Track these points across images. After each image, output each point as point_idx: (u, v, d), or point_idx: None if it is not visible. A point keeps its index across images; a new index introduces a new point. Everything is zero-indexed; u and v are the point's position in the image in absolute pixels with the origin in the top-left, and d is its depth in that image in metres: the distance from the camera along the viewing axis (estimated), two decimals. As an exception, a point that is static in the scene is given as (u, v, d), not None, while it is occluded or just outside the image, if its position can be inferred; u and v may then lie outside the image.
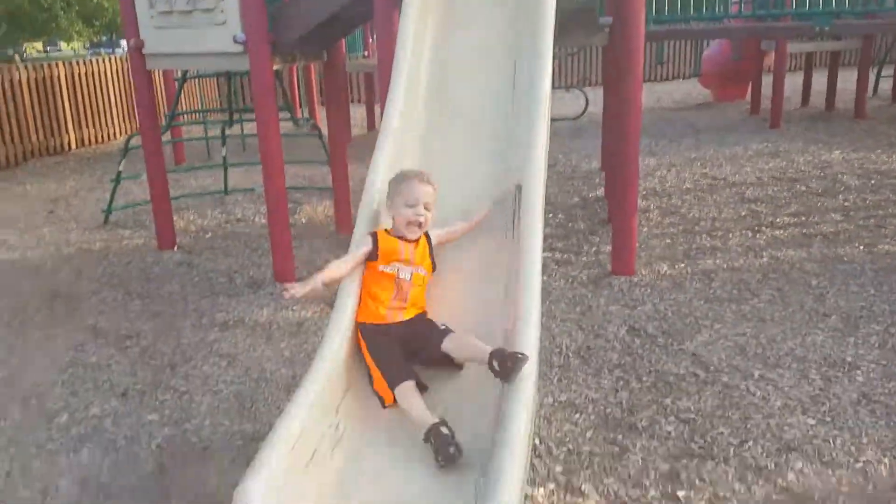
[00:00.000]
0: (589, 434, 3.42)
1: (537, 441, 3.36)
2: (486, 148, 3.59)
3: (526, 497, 2.94)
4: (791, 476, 3.06)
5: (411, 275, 2.96)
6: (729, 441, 3.32)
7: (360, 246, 3.00)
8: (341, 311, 2.88)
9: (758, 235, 6.03)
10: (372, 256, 2.97)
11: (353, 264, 2.97)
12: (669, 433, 3.40)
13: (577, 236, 6.16)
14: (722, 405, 3.60)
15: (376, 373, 2.77)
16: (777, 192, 7.29)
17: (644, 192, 7.17)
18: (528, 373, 2.49)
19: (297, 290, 2.75)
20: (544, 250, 5.34)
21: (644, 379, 3.89)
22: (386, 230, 3.06)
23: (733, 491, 2.99)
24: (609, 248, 5.59)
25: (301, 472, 2.39)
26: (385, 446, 2.62)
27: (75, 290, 5.50)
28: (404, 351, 2.83)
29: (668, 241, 5.99)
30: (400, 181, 3.02)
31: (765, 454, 3.20)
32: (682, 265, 5.46)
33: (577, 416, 3.58)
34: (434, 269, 3.07)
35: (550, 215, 6.69)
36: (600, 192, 7.41)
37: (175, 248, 6.29)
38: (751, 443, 3.29)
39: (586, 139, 9.43)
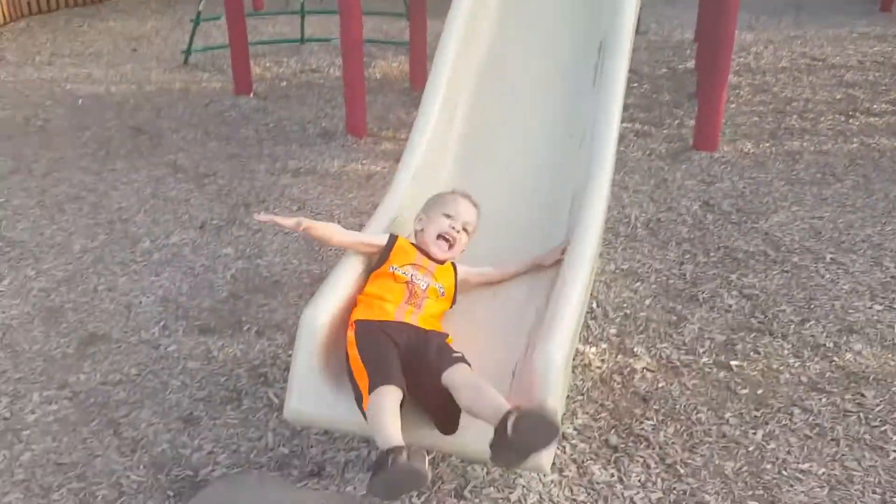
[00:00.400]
0: (647, 302, 3.44)
1: (594, 304, 3.40)
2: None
3: (577, 353, 3.02)
4: (849, 356, 3.03)
5: (427, 286, 2.44)
6: (790, 319, 3.29)
7: (374, 237, 2.58)
8: (409, 154, 2.90)
9: (851, 120, 5.69)
10: (382, 258, 2.49)
11: (351, 241, 2.55)
12: (730, 306, 3.39)
13: (661, 108, 5.93)
14: (788, 285, 3.55)
15: (359, 369, 2.17)
16: (878, 77, 6.80)
17: (736, 68, 6.79)
18: (593, 223, 2.48)
19: (269, 217, 2.44)
20: (624, 120, 5.20)
21: (711, 254, 3.83)
22: (410, 241, 2.63)
23: (787, 365, 2.99)
24: (693, 122, 5.39)
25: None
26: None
27: (156, 126, 5.66)
28: (401, 362, 2.20)
29: (756, 119, 5.72)
30: (441, 195, 2.69)
31: (825, 334, 3.17)
32: (767, 145, 5.24)
33: (638, 284, 3.58)
34: (454, 303, 2.56)
35: (635, 84, 6.44)
36: (690, 63, 7.05)
37: (251, 94, 6.34)
38: (812, 322, 3.25)
39: (681, 8, 8.86)
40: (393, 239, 2.56)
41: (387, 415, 1.97)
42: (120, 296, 3.52)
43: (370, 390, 2.04)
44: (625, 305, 3.40)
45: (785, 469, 2.50)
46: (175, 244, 3.99)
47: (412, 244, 2.59)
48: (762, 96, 6.27)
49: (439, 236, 2.54)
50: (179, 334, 3.24)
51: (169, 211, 4.35)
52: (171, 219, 4.26)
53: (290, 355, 3.03)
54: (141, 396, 2.86)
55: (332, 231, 2.51)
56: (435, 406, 2.13)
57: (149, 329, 3.28)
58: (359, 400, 2.12)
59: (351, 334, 2.29)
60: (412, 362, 2.18)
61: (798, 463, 2.52)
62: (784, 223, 4.14)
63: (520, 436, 1.83)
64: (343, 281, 2.41)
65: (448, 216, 2.56)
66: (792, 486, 2.43)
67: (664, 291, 3.51)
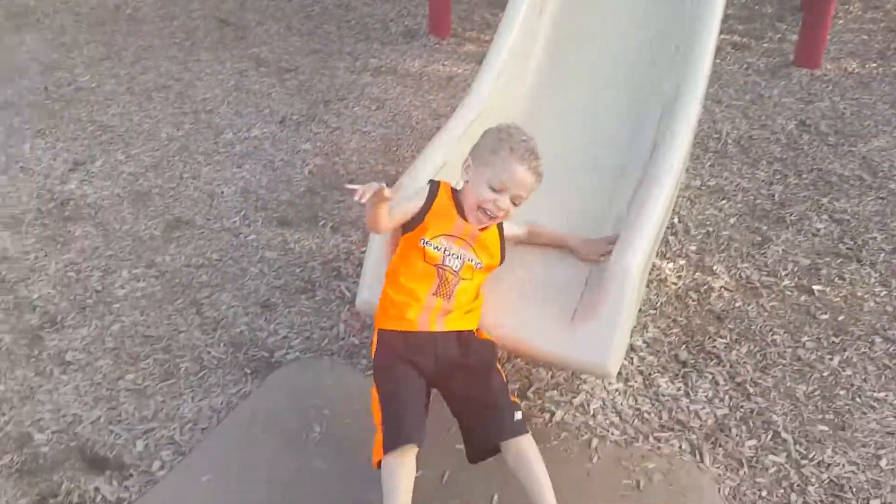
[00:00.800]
0: (732, 220, 3.32)
1: (676, 220, 3.30)
2: None
3: (654, 267, 2.96)
4: (944, 290, 2.89)
5: (462, 264, 2.05)
6: (881, 247, 3.13)
7: (412, 198, 2.11)
8: (494, 55, 2.82)
9: (974, 42, 5.23)
10: (415, 220, 2.06)
11: (395, 221, 2.07)
12: (818, 230, 3.24)
13: (762, 20, 5.57)
14: (882, 212, 3.36)
15: (375, 403, 1.93)
16: None
17: (848, -20, 6.29)
18: (682, 134, 2.38)
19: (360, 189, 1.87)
20: (722, 31, 4.91)
21: (804, 175, 3.65)
22: (453, 188, 2.15)
23: (873, 293, 2.87)
24: (795, 37, 5.05)
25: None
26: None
27: (241, 18, 5.65)
28: (427, 378, 1.97)
29: (865, 37, 5.31)
30: (500, 147, 2.03)
31: (919, 265, 3.02)
32: (874, 65, 4.87)
33: (724, 202, 3.46)
34: (502, 261, 2.16)
35: (734, -6, 6.05)
36: (797, -26, 6.55)
37: (336, -10, 6.24)
38: (907, 252, 3.10)
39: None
40: (433, 193, 2.10)
41: (399, 491, 1.76)
42: (203, 184, 3.62)
43: (384, 446, 1.80)
44: (708, 223, 3.30)
45: (859, 396, 2.43)
46: (256, 137, 4.04)
47: (453, 199, 2.10)
48: (874, 13, 5.80)
49: (479, 208, 2.05)
50: (259, 224, 3.33)
51: (251, 104, 4.39)
52: (252, 112, 4.30)
53: (363, 252, 3.08)
54: (222, 280, 2.97)
55: (387, 213, 2.02)
56: (471, 439, 1.94)
57: (230, 217, 3.37)
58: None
59: (374, 353, 2.03)
60: (449, 385, 1.97)
61: (874, 391, 2.45)
62: (884, 148, 3.89)
63: None
64: (422, 176, 2.39)
65: (494, 190, 2.02)
66: (864, 413, 2.37)
67: (750, 211, 3.38)
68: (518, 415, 1.89)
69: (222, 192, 3.56)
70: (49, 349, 2.61)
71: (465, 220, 2.07)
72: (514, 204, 2.05)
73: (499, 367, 2.01)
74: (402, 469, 1.77)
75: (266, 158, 3.84)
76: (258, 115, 4.26)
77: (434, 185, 2.12)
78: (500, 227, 2.15)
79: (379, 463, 1.80)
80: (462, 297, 2.04)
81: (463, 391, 1.94)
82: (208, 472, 2.09)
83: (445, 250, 2.04)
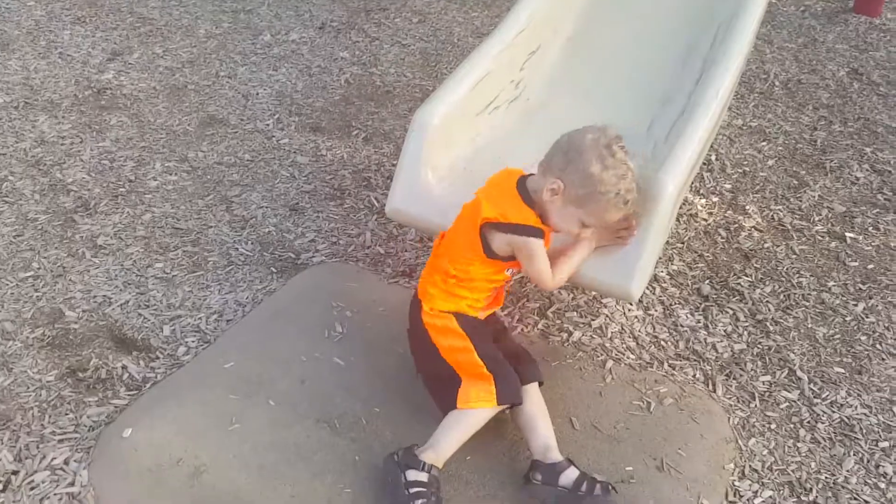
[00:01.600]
0: (770, 163, 3.26)
1: (713, 157, 3.25)
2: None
3: (685, 202, 2.93)
4: (980, 247, 2.84)
5: (513, 282, 2.18)
6: (922, 201, 3.07)
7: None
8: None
9: None
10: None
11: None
12: (857, 179, 3.18)
13: (822, -40, 5.34)
14: (928, 166, 3.29)
15: (477, 363, 1.90)
16: None
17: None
18: (735, 59, 2.31)
19: None
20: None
21: (849, 124, 3.56)
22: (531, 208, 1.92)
23: (908, 246, 2.84)
24: (856, -21, 4.84)
25: (475, 114, 2.45)
26: (561, 117, 2.61)
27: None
28: None
29: (931, -15, 5.08)
30: (609, 191, 1.83)
31: (958, 221, 2.96)
32: (938, 15, 4.68)
33: (764, 143, 3.39)
34: None
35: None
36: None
37: None
38: (947, 207, 3.04)
39: None
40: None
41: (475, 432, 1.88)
42: (239, 84, 3.60)
43: (499, 398, 1.85)
44: (745, 163, 3.24)
45: (880, 343, 2.43)
46: (294, 41, 3.99)
47: (543, 224, 1.92)
48: (946, -41, 5.53)
49: (567, 232, 1.97)
50: (292, 129, 3.32)
51: (291, 7, 4.32)
52: (292, 15, 4.24)
53: (393, 165, 3.06)
54: (252, 181, 2.99)
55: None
56: None
57: (263, 119, 3.37)
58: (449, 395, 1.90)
59: (447, 323, 1.94)
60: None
61: (896, 340, 2.44)
62: (938, 102, 3.77)
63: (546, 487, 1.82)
64: (462, 87, 2.36)
65: (585, 226, 1.92)
66: (883, 359, 2.37)
67: (790, 154, 3.32)
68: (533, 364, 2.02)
69: (257, 94, 3.54)
70: (82, 232, 2.66)
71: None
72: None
73: None
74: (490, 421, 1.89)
75: (303, 63, 3.80)
76: (297, 19, 4.20)
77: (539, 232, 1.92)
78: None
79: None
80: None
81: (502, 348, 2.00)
82: (231, 359, 2.15)
83: (511, 274, 2.02)
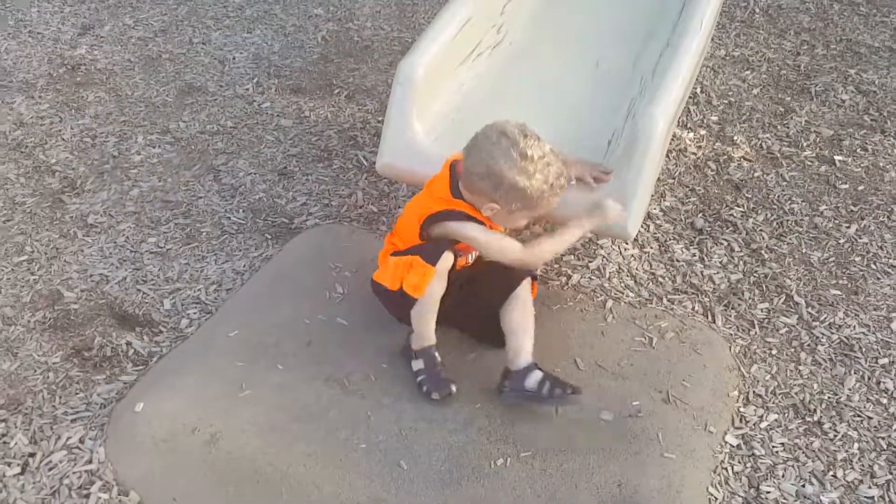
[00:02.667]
0: (755, 91, 3.25)
1: (698, 90, 3.23)
2: None
3: (673, 137, 2.93)
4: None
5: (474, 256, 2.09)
6: (908, 118, 3.08)
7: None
8: None
9: None
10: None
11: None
12: (843, 102, 3.18)
13: None
14: (912, 82, 3.29)
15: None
16: None
17: None
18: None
19: None
20: None
21: (832, 46, 3.54)
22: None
23: (895, 164, 2.86)
24: None
25: (458, 63, 2.43)
26: (546, 60, 2.59)
27: None
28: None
29: None
30: (544, 191, 1.85)
31: (945, 136, 2.98)
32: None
33: (748, 72, 3.37)
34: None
35: None
36: None
37: None
38: (933, 123, 3.05)
39: None
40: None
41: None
42: (214, 50, 3.54)
43: (426, 258, 1.91)
44: (730, 93, 3.23)
45: (874, 263, 2.46)
46: (266, 1, 3.91)
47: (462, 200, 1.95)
48: None
49: (512, 230, 2.07)
50: (272, 92, 3.27)
51: (260, -32, 4.22)
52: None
53: (379, 121, 3.05)
54: (238, 148, 2.96)
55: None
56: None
57: (243, 84, 3.31)
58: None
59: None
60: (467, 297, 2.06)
61: (889, 258, 2.47)
62: (919, 17, 3.75)
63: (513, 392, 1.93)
64: (443, 36, 2.33)
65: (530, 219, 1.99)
66: (879, 279, 2.40)
67: (774, 82, 3.31)
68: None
69: (234, 59, 3.48)
70: (71, 212, 2.64)
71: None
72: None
73: None
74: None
75: (277, 24, 3.73)
76: (267, -21, 4.11)
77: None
78: None
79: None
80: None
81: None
82: (235, 328, 2.16)
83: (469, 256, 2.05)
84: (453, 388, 1.96)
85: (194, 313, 2.29)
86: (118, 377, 2.09)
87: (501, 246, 1.94)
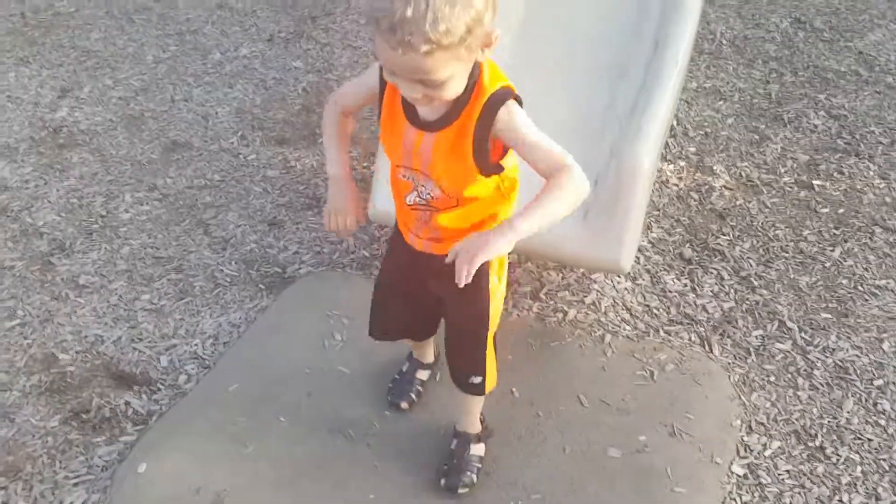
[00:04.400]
0: (730, 121, 3.34)
1: (674, 123, 3.31)
2: None
3: (657, 170, 2.99)
4: (940, 179, 2.95)
5: (429, 197, 1.53)
6: (879, 140, 3.17)
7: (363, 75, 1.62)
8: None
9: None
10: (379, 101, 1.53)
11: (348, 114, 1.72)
12: (816, 127, 3.27)
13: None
14: (879, 105, 3.39)
15: None
16: None
17: None
18: (687, 26, 2.36)
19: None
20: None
21: (800, 73, 3.65)
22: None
23: (872, 186, 2.93)
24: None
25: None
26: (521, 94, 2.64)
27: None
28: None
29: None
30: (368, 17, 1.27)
31: (917, 156, 3.07)
32: (869, -41, 4.81)
33: (721, 103, 3.46)
34: (495, 170, 1.50)
35: None
36: None
37: None
38: (904, 145, 3.14)
39: None
40: (383, 85, 1.48)
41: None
42: (196, 106, 3.56)
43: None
44: (706, 124, 3.31)
45: (861, 285, 2.51)
46: (245, 56, 3.96)
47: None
48: None
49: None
50: (257, 144, 3.30)
51: (236, 22, 4.27)
52: (238, 31, 4.20)
53: (364, 167, 3.09)
54: (226, 200, 2.97)
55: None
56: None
57: (227, 138, 3.34)
58: None
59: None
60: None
61: (875, 279, 2.52)
62: (880, 42, 3.89)
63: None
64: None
65: (392, 73, 1.32)
66: (867, 300, 2.45)
67: (747, 111, 3.40)
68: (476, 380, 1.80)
69: (216, 113, 3.51)
70: (62, 274, 2.62)
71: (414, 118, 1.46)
72: (431, 87, 1.30)
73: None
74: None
75: (257, 78, 3.77)
76: (245, 34, 4.16)
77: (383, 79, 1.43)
78: (489, 111, 1.40)
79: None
80: (444, 231, 1.57)
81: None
82: (235, 381, 2.15)
83: (414, 181, 1.53)
84: (403, 405, 2.04)
85: (192, 369, 2.27)
86: (118, 438, 2.06)
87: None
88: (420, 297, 1.76)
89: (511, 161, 1.53)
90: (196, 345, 2.35)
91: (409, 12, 1.19)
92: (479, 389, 1.81)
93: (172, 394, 2.19)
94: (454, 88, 1.34)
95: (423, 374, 2.10)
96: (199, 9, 4.42)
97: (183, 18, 4.33)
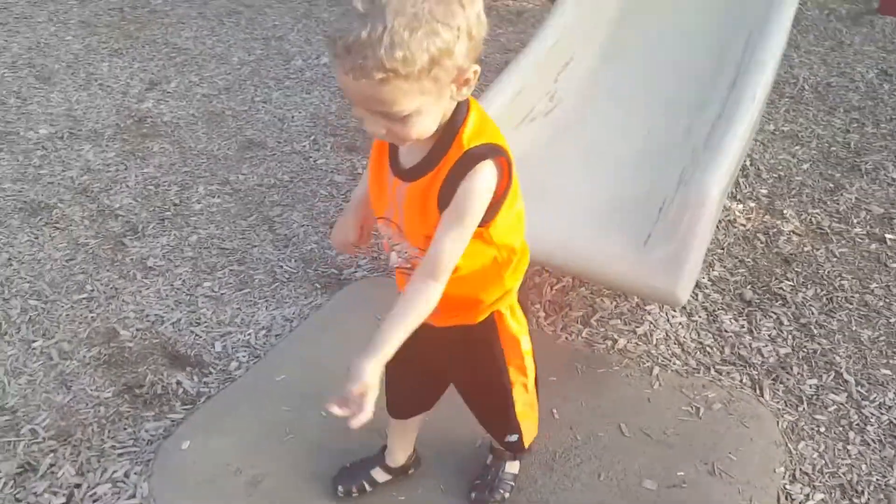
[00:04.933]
0: (805, 167, 3.27)
1: (748, 162, 3.26)
2: None
3: (723, 208, 2.94)
4: None
5: (407, 256, 1.42)
6: (962, 200, 3.06)
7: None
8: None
9: None
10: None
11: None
12: (894, 180, 3.17)
13: (845, -34, 5.35)
14: (965, 165, 3.27)
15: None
16: None
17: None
18: (769, 62, 2.34)
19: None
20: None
21: (882, 125, 3.56)
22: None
23: (950, 246, 2.82)
24: (881, -17, 4.85)
25: (512, 128, 2.49)
26: (597, 126, 2.65)
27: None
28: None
29: (958, -14, 5.06)
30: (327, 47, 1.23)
31: None
32: (966, 16, 4.66)
33: (798, 148, 3.39)
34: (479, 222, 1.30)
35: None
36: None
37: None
38: None
39: None
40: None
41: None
42: (274, 108, 3.69)
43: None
44: (780, 167, 3.25)
45: (927, 344, 2.41)
46: (325, 65, 4.08)
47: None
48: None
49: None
50: (328, 149, 3.39)
51: (320, 32, 4.42)
52: (321, 40, 4.33)
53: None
54: (293, 200, 3.05)
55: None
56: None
57: (300, 141, 3.44)
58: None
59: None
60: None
61: (943, 340, 2.42)
62: (971, 101, 3.75)
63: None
64: (495, 104, 2.41)
65: (350, 100, 1.22)
66: (932, 360, 2.35)
67: (824, 158, 3.32)
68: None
69: (293, 117, 3.62)
70: (132, 255, 2.73)
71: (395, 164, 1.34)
72: (390, 119, 1.18)
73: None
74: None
75: (335, 86, 3.88)
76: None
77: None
78: (457, 168, 1.25)
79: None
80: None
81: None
82: (282, 372, 2.20)
83: (390, 238, 1.42)
84: (339, 488, 1.87)
85: (244, 356, 2.33)
86: (167, 415, 2.13)
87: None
88: (426, 366, 1.65)
89: (504, 222, 1.34)
90: (250, 334, 2.41)
91: (363, 34, 1.08)
92: (516, 447, 1.75)
93: (222, 378, 2.26)
94: (421, 126, 1.20)
95: (380, 476, 1.91)
96: (286, 16, 4.59)
97: (270, 24, 4.50)
